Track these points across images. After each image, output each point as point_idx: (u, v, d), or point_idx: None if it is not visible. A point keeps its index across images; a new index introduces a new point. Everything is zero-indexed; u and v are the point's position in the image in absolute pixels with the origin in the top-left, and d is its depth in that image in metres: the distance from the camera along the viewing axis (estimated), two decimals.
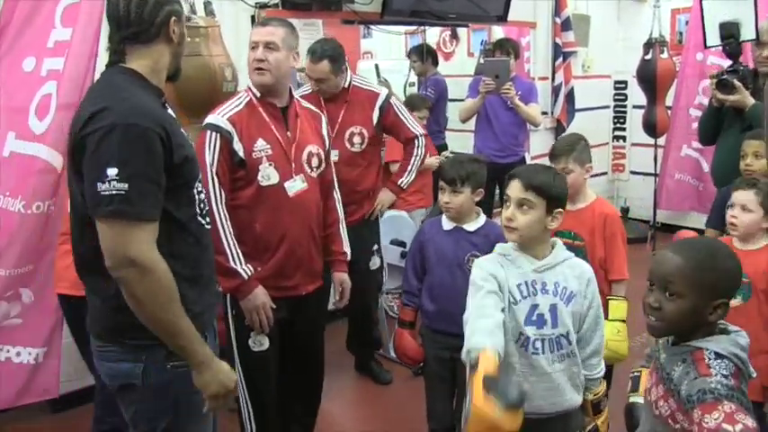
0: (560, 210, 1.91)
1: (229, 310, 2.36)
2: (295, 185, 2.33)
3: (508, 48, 4.46)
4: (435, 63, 5.32)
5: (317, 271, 2.50)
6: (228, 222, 2.24)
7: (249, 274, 2.27)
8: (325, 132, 2.53)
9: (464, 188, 2.36)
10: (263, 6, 3.59)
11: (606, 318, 2.41)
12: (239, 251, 2.25)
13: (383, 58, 5.98)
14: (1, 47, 2.52)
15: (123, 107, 1.50)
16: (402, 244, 3.65)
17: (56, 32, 2.54)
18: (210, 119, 2.29)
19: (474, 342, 1.60)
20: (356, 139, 3.14)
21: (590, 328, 1.96)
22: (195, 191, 1.67)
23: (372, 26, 4.50)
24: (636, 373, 1.78)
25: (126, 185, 1.44)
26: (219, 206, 2.23)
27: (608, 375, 2.53)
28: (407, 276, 2.53)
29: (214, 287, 1.85)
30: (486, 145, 4.54)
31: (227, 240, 2.23)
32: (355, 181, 3.12)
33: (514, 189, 1.89)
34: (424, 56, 5.19)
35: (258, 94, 2.33)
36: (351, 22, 4.08)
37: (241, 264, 2.25)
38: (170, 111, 1.72)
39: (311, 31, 3.77)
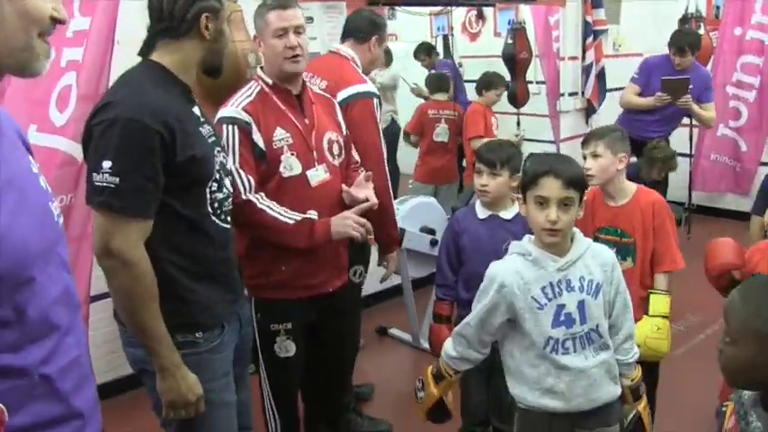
0: (584, 199, 1.84)
1: (254, 315, 2.25)
2: (317, 175, 2.20)
3: (684, 45, 4.39)
4: (437, 53, 5.54)
5: (343, 266, 2.39)
6: (267, 199, 2.10)
7: (312, 215, 2.14)
8: (340, 118, 2.40)
9: (503, 171, 2.27)
10: None
11: (646, 313, 2.31)
12: (289, 211, 2.11)
13: (408, 40, 5.88)
14: None
15: (129, 102, 1.53)
16: (431, 231, 3.55)
17: (74, 22, 2.47)
18: (224, 112, 2.15)
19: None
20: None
21: (619, 313, 1.90)
22: (208, 190, 1.68)
23: (397, 7, 4.37)
24: (723, 409, 1.67)
25: (117, 179, 1.49)
26: (250, 194, 2.09)
27: (653, 372, 2.43)
28: (442, 269, 2.43)
29: (233, 285, 1.83)
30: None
31: (273, 213, 2.09)
32: None
33: (554, 188, 1.76)
34: (429, 51, 5.51)
35: (270, 82, 2.19)
36: (376, 4, 3.96)
37: (297, 217, 2.11)
38: (196, 108, 1.72)
39: (334, 14, 3.67)
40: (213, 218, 1.70)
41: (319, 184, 2.20)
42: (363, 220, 2.15)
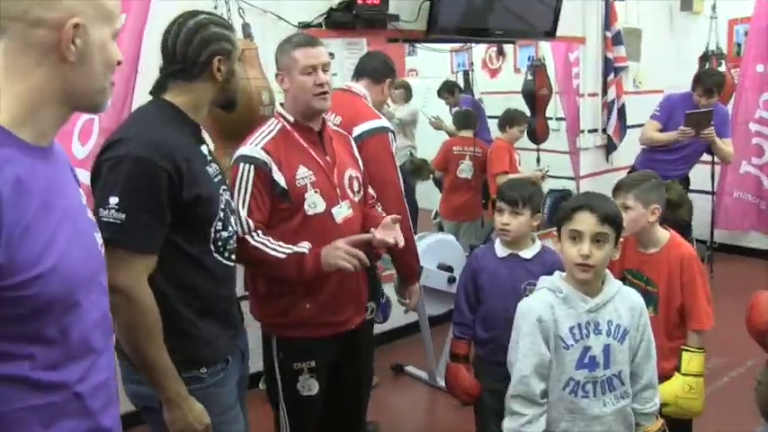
0: (621, 239, 1.79)
1: (275, 353, 2.22)
2: (342, 212, 2.19)
3: (712, 86, 4.38)
4: (461, 90, 5.59)
5: (364, 302, 2.36)
6: (262, 236, 2.07)
7: (308, 247, 2.08)
8: (357, 154, 2.39)
9: (525, 210, 2.23)
10: (306, 26, 3.53)
11: (678, 370, 2.24)
12: (283, 245, 2.07)
13: (428, 76, 5.92)
14: None
15: (139, 140, 1.55)
16: (449, 268, 3.51)
17: None
18: (243, 150, 2.14)
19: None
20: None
21: (642, 360, 1.84)
22: (213, 229, 1.69)
23: (418, 44, 4.41)
24: None
25: (123, 216, 1.50)
26: (250, 235, 2.06)
27: (685, 428, 2.36)
28: (460, 307, 2.39)
29: (233, 321, 1.84)
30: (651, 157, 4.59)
31: (266, 249, 2.06)
32: None
33: (588, 223, 1.73)
34: (452, 90, 5.57)
35: (292, 120, 2.18)
36: (396, 41, 4.00)
37: (290, 249, 2.07)
38: (204, 147, 1.74)
39: (355, 50, 3.69)
40: (216, 255, 1.72)
41: (344, 221, 2.19)
42: (355, 251, 2.08)
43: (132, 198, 1.51)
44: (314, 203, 2.13)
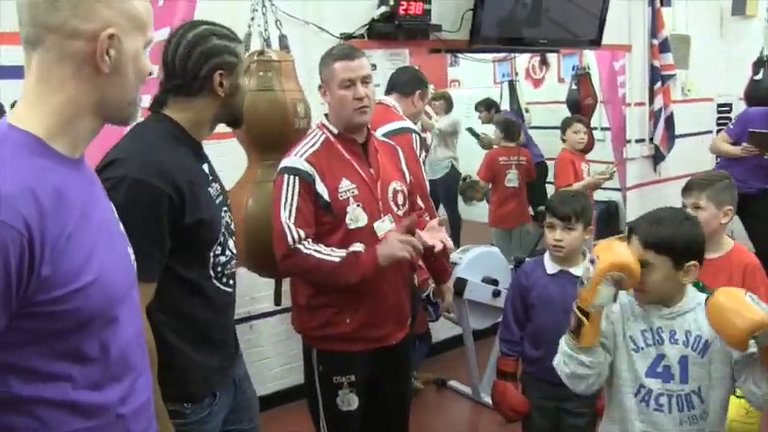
0: (694, 262, 1.65)
1: (315, 367, 2.19)
2: (384, 226, 2.14)
3: None
4: (497, 111, 5.56)
5: (406, 318, 2.32)
6: (313, 243, 2.05)
7: (359, 247, 2.06)
8: (404, 167, 2.34)
9: (577, 224, 2.17)
10: (348, 37, 3.51)
11: (733, 393, 2.13)
12: (336, 250, 2.05)
13: (471, 87, 5.86)
14: None
15: (138, 161, 1.48)
16: (494, 282, 3.44)
17: None
18: (287, 162, 2.12)
19: None
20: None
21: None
22: (212, 253, 1.61)
23: (460, 54, 4.36)
24: None
25: None
26: (301, 244, 2.04)
27: None
28: (508, 324, 2.33)
29: (229, 350, 1.76)
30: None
31: (320, 255, 2.03)
32: None
33: (634, 247, 1.66)
34: (489, 107, 5.57)
35: (335, 131, 2.16)
36: (438, 51, 3.96)
37: (342, 253, 2.05)
38: (205, 166, 1.67)
39: (397, 61, 3.66)
40: (214, 281, 1.63)
41: (385, 237, 2.13)
42: (408, 238, 2.05)
43: (131, 225, 1.43)
44: (356, 217, 2.10)
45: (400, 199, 2.25)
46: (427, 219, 2.45)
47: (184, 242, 1.53)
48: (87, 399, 1.05)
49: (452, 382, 3.88)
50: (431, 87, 3.31)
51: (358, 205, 2.10)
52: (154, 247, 1.48)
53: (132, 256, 1.21)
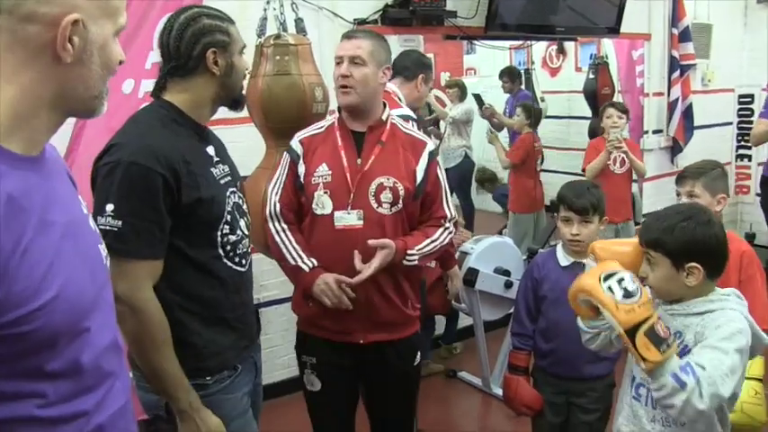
0: (695, 264, 1.55)
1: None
2: (344, 218, 2.06)
3: None
4: (521, 83, 5.51)
5: (383, 322, 2.15)
6: (285, 233, 2.12)
7: (311, 265, 2.07)
8: (419, 167, 2.15)
9: (594, 217, 2.13)
10: (362, 22, 3.47)
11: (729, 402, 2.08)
12: (299, 249, 2.10)
13: (487, 75, 5.78)
14: None
15: (134, 145, 1.52)
16: (506, 273, 3.39)
17: (153, 54, 2.51)
18: (291, 140, 2.19)
19: None
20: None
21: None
22: (219, 233, 1.64)
23: (476, 41, 4.29)
24: None
25: (119, 222, 1.48)
26: (273, 223, 2.13)
27: None
28: (520, 317, 2.29)
29: (247, 331, 1.78)
30: None
31: (285, 247, 2.10)
32: None
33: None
34: (513, 77, 5.47)
35: (340, 117, 2.14)
36: (453, 38, 3.90)
37: (301, 259, 2.08)
38: (210, 148, 1.69)
39: (412, 47, 3.60)
40: (225, 260, 1.66)
41: (344, 229, 2.06)
42: (339, 293, 2.01)
43: (127, 204, 1.48)
44: (321, 204, 2.08)
45: (387, 196, 2.09)
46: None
47: (185, 221, 1.56)
48: (62, 413, 0.98)
49: (462, 373, 3.85)
50: (446, 75, 3.26)
51: (325, 192, 2.06)
52: (152, 225, 1.51)
53: (105, 253, 1.13)
